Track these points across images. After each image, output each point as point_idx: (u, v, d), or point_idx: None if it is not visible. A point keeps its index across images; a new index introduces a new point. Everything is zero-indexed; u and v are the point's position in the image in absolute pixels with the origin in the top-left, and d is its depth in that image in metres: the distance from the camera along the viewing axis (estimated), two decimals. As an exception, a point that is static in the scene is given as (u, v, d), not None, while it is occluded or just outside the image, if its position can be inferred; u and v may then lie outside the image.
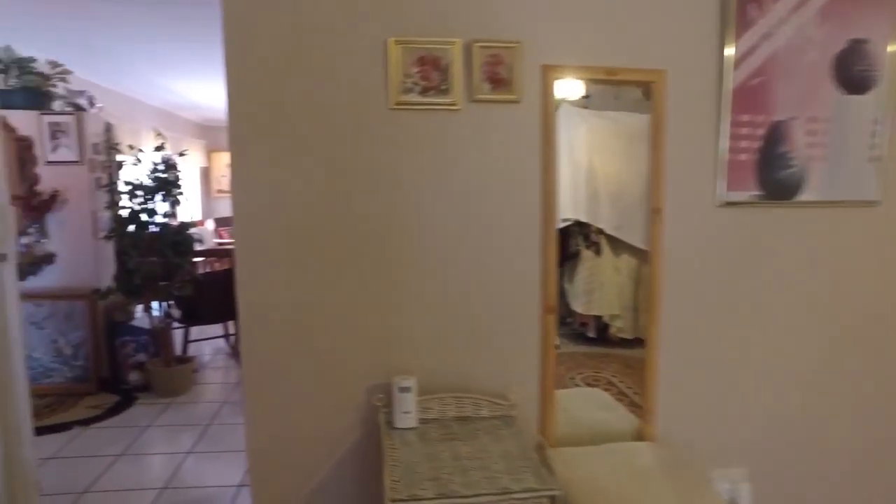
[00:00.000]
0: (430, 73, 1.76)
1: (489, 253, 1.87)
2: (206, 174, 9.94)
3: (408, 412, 1.75)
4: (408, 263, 1.84)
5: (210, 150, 9.91)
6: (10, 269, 1.91)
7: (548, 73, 1.81)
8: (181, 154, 4.03)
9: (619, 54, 1.85)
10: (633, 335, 2.12)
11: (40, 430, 3.16)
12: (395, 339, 1.87)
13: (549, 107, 1.82)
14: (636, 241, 2.05)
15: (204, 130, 9.83)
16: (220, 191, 10.11)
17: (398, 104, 1.76)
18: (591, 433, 1.97)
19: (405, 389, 1.74)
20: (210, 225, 9.51)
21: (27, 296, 3.88)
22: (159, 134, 3.89)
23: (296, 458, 1.87)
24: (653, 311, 1.96)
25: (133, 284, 3.55)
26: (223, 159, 10.13)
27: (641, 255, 2.02)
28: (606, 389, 2.13)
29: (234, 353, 4.70)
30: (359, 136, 1.78)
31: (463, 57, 1.76)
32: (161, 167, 3.80)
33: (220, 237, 9.69)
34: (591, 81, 1.91)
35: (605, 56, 1.85)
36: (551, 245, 1.88)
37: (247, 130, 1.74)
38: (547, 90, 1.81)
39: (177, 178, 3.88)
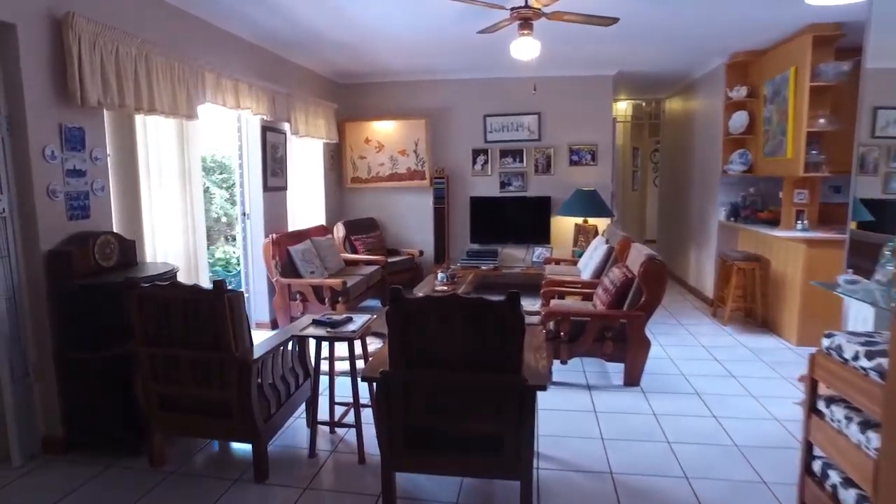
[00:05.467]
0: None
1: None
2: (335, 155, 6.55)
3: None
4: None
5: (343, 120, 6.50)
6: None
7: None
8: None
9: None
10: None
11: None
12: None
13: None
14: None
15: (336, 90, 6.44)
16: (356, 179, 6.66)
17: None
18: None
19: None
20: (339, 231, 6.10)
21: None
22: None
23: None
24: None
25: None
26: (363, 133, 6.62)
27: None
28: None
29: None
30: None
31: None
32: None
33: (356, 251, 6.23)
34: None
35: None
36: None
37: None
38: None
39: None
